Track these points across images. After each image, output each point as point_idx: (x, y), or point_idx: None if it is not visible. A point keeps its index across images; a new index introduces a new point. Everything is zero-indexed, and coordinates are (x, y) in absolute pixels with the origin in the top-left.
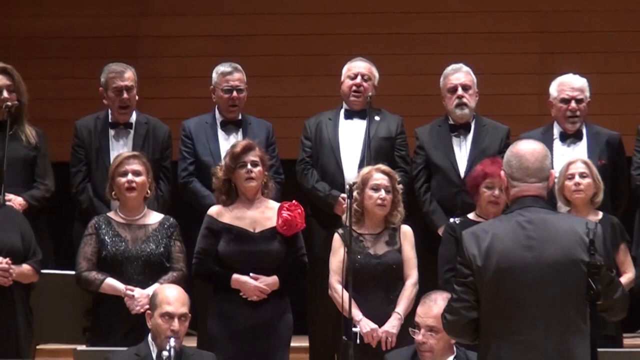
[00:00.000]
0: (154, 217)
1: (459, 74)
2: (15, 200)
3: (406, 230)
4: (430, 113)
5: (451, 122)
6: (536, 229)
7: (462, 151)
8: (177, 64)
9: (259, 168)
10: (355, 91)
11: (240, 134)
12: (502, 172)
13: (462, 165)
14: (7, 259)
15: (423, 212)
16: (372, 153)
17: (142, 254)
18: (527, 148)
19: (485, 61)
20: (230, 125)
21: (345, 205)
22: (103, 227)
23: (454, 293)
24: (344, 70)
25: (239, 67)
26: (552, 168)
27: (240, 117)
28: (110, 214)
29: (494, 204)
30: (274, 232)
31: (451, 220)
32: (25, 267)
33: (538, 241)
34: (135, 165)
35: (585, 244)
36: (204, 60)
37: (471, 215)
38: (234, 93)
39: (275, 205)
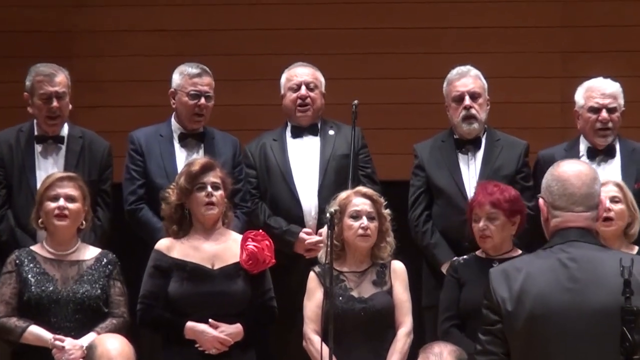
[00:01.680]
0: (89, 252)
1: (466, 79)
2: None
3: (397, 267)
4: (430, 126)
5: (457, 136)
6: (581, 269)
7: (470, 171)
8: (121, 64)
9: (220, 192)
10: (301, 105)
11: (202, 150)
12: (540, 201)
13: (470, 189)
14: None
15: (422, 245)
16: (333, 175)
17: (74, 296)
18: (572, 170)
19: (498, 62)
20: (190, 139)
21: (308, 241)
22: (26, 263)
23: (478, 344)
24: (282, 80)
25: (207, 69)
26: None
27: (202, 129)
28: (35, 248)
29: (484, 240)
30: (237, 268)
31: (455, 259)
32: None
33: (582, 284)
34: (69, 189)
35: (638, 288)
36: (155, 61)
37: (479, 253)
38: (202, 100)
39: (238, 237)
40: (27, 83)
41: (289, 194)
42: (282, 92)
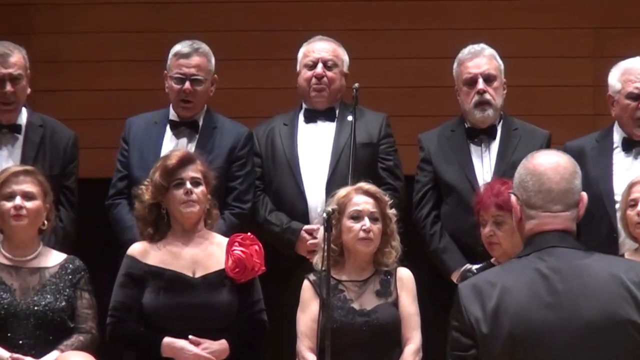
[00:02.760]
0: (52, 258)
1: (480, 60)
2: None
3: (404, 276)
4: (438, 113)
5: (469, 125)
6: (563, 280)
7: (484, 165)
8: (87, 42)
9: (201, 188)
10: (316, 84)
11: (195, 141)
12: (513, 198)
13: None
14: None
15: (430, 250)
16: (346, 167)
17: (35, 309)
18: (548, 162)
19: (517, 40)
20: (183, 128)
21: (310, 242)
22: None
23: None
24: (299, 56)
25: (204, 48)
26: (582, 189)
27: (201, 118)
28: None
29: (491, 247)
30: (222, 277)
31: (467, 267)
32: None
33: (566, 296)
34: (27, 185)
35: (636, 299)
36: (126, 38)
37: (494, 261)
38: (186, 84)
39: (224, 240)
40: None
41: (294, 186)
42: (298, 69)
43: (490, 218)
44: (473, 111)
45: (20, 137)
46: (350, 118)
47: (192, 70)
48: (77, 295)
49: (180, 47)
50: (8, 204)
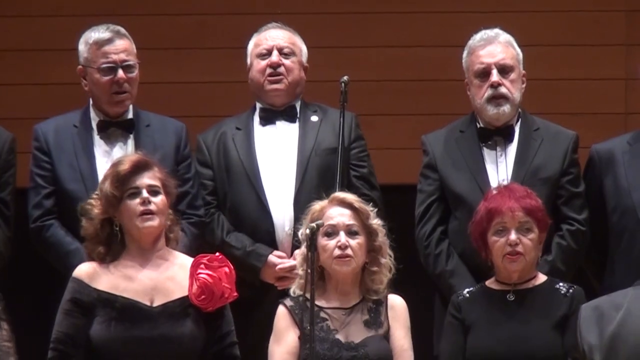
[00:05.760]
0: None
1: (494, 47)
2: None
3: (396, 304)
4: (443, 110)
5: (482, 124)
6: None
7: (500, 172)
8: (26, 28)
9: (160, 197)
10: (272, 75)
11: (130, 142)
12: None
13: None
14: None
15: (435, 273)
16: (315, 176)
17: None
18: None
19: (537, 25)
20: (114, 129)
21: (280, 267)
22: None
23: None
24: (250, 47)
25: (122, 30)
26: None
27: (130, 114)
28: None
29: (513, 259)
30: (185, 305)
31: (456, 293)
32: None
33: None
34: None
35: None
36: (72, 23)
37: (491, 281)
38: (119, 73)
39: (187, 261)
40: None
41: (255, 201)
42: (249, 61)
43: (514, 224)
44: (486, 107)
45: None
46: (314, 118)
47: (122, 56)
48: None
49: (97, 34)
50: None
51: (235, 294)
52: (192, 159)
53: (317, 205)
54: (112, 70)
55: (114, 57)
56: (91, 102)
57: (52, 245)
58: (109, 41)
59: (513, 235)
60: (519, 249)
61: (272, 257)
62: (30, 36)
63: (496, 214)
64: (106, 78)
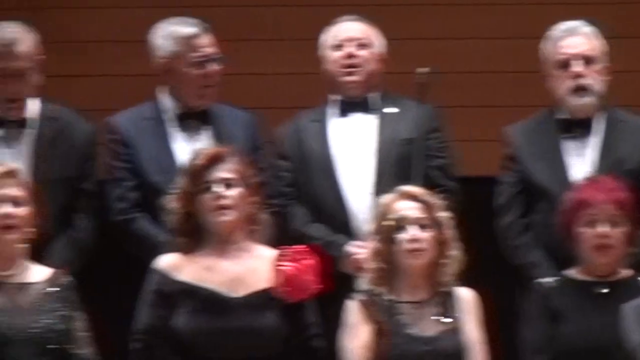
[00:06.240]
0: (37, 272)
1: (576, 39)
2: None
3: (465, 296)
4: (528, 102)
5: (563, 116)
6: None
7: (582, 163)
8: (109, 19)
9: (236, 190)
10: (347, 66)
11: (207, 134)
12: None
13: None
14: None
15: (518, 264)
16: (394, 167)
17: (30, 332)
18: None
19: (621, 14)
20: (191, 120)
21: (359, 257)
22: None
23: None
24: (325, 38)
25: (205, 23)
26: None
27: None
28: None
29: (602, 251)
30: (268, 296)
31: (542, 281)
32: None
33: None
34: (11, 189)
35: None
36: (155, 14)
37: (574, 272)
38: (210, 66)
39: (268, 252)
40: None
41: (332, 192)
42: (324, 53)
43: (604, 217)
44: (568, 98)
45: (30, 132)
46: (392, 110)
47: (212, 49)
48: (73, 316)
49: (185, 28)
50: None
51: (320, 286)
52: (264, 149)
53: (386, 199)
54: (203, 63)
55: (205, 50)
56: (165, 92)
57: (139, 238)
58: (198, 35)
59: (604, 228)
60: (609, 241)
61: (351, 247)
62: (111, 28)
63: (586, 206)
64: (197, 71)
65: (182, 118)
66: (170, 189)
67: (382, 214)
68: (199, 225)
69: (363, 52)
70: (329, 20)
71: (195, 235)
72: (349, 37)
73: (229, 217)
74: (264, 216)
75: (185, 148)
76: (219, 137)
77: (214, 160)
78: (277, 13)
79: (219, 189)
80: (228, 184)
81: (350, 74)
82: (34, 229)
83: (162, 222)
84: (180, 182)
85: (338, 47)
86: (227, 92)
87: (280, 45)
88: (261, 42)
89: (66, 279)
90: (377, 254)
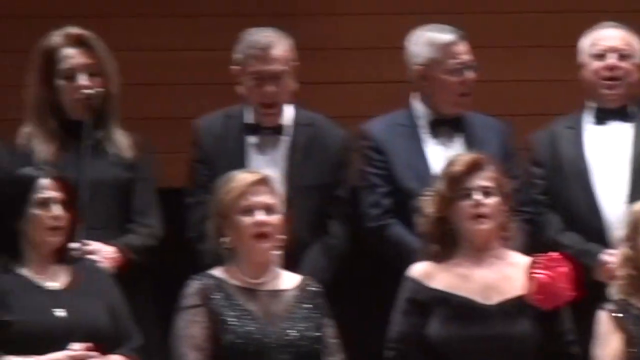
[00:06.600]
0: (288, 279)
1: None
2: (102, 252)
3: None
4: None
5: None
6: None
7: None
8: (361, 26)
9: (493, 199)
10: (608, 78)
11: (460, 141)
12: None
13: None
14: (87, 347)
15: None
16: None
17: (285, 339)
18: None
19: None
20: (444, 127)
21: (612, 266)
22: (214, 293)
23: None
24: (584, 45)
25: (459, 30)
26: None
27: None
28: (219, 273)
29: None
30: (522, 304)
31: None
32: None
33: None
34: (265, 196)
35: None
36: (408, 21)
37: None
38: (467, 74)
39: (522, 259)
40: (238, 55)
41: (586, 200)
42: (583, 60)
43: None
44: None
45: (285, 139)
46: None
47: (468, 56)
48: (324, 323)
49: (440, 34)
50: (247, 220)
51: (574, 293)
52: (517, 157)
53: (638, 207)
54: (460, 71)
55: (462, 58)
56: (417, 99)
57: (394, 244)
58: (455, 42)
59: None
60: None
61: (605, 256)
62: (363, 35)
63: None
64: (454, 79)
65: (434, 125)
66: (424, 194)
67: (633, 222)
68: (451, 231)
69: (625, 64)
70: (583, 26)
71: (447, 242)
72: (611, 47)
73: (486, 225)
74: (516, 224)
75: (438, 155)
76: (471, 144)
77: (473, 167)
78: (534, 19)
79: (478, 196)
80: (486, 191)
81: (611, 87)
82: (285, 237)
83: (416, 228)
84: (437, 188)
85: (599, 56)
86: (480, 97)
87: (535, 51)
88: (511, 49)
89: (316, 286)
90: (627, 261)
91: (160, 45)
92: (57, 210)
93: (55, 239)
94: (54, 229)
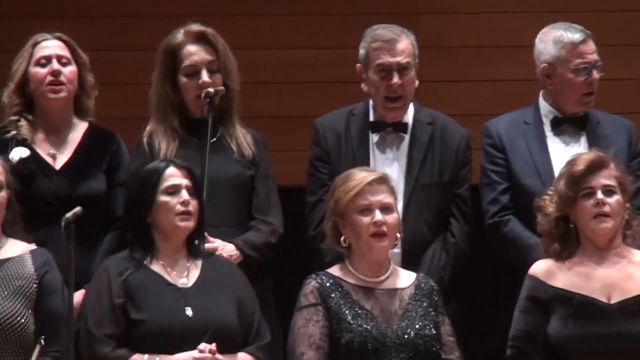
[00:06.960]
0: (405, 277)
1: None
2: (224, 250)
3: None
4: None
5: None
6: None
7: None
8: (479, 25)
9: (616, 198)
10: None
11: (584, 140)
12: None
13: None
14: (213, 347)
15: None
16: None
17: (404, 338)
18: None
19: None
20: (567, 126)
21: None
22: (332, 292)
23: None
24: None
25: (590, 32)
26: None
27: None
28: (337, 272)
29: None
30: None
31: None
32: (244, 358)
33: None
34: (383, 195)
35: None
36: (524, 20)
37: None
38: (594, 74)
39: None
40: (361, 51)
41: None
42: None
43: None
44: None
45: (407, 137)
46: None
47: (595, 57)
48: (441, 321)
49: (569, 33)
50: (366, 220)
51: None
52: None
53: None
54: (587, 70)
55: (590, 57)
56: (543, 98)
57: (510, 241)
58: (583, 42)
59: None
60: None
61: None
62: (481, 33)
63: None
64: (580, 79)
65: (558, 123)
66: (544, 193)
67: None
68: (573, 230)
69: None
70: None
71: (568, 241)
72: None
73: (609, 224)
74: (638, 222)
75: (561, 153)
76: (595, 143)
77: (596, 166)
78: None
79: (600, 195)
80: (609, 190)
81: None
82: (400, 235)
83: (534, 225)
84: (558, 187)
85: None
86: (601, 96)
87: None
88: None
89: (431, 284)
90: None
91: (283, 45)
92: (186, 195)
93: (186, 224)
94: (184, 214)
